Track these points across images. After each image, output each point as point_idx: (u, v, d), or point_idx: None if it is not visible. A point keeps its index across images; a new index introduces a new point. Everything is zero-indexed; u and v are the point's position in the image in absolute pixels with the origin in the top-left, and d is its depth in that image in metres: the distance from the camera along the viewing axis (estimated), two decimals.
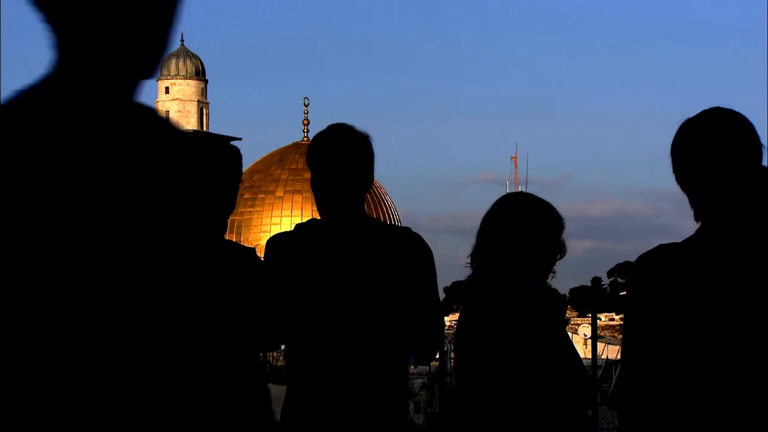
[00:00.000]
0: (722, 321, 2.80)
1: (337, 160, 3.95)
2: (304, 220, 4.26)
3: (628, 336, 2.95)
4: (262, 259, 4.11)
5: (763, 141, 2.96)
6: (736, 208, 2.89)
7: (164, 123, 2.58)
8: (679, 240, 2.96)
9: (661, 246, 2.96)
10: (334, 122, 4.02)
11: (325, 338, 3.96)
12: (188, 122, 78.36)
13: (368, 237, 4.03)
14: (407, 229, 4.10)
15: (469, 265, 3.95)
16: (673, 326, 2.84)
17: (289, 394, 4.04)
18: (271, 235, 4.27)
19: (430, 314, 4.00)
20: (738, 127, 2.93)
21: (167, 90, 79.15)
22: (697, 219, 2.94)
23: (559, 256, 3.98)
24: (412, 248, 4.05)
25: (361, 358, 3.92)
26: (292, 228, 4.15)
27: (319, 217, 4.15)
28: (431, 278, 4.04)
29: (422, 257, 4.05)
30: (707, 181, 2.90)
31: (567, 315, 4.72)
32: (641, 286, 2.92)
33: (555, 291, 3.96)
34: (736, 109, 3.01)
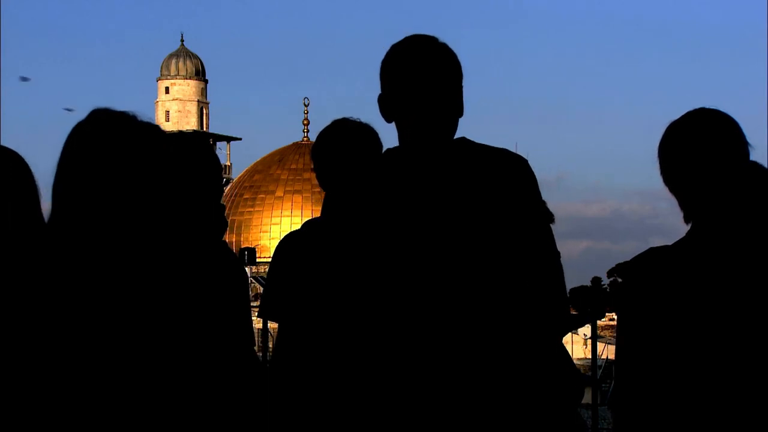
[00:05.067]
0: (715, 322, 2.81)
1: (345, 154, 3.82)
2: (305, 219, 4.20)
3: (622, 339, 2.97)
4: (273, 257, 4.01)
5: (750, 140, 2.98)
6: (725, 208, 2.90)
7: None
8: (675, 240, 2.98)
9: (652, 249, 2.98)
10: (338, 117, 3.99)
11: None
12: (188, 122, 78.35)
13: None
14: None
15: None
16: (666, 328, 2.85)
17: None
18: (272, 234, 4.04)
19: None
20: (724, 127, 2.95)
21: (167, 90, 79.15)
22: (687, 221, 2.95)
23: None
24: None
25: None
26: (293, 228, 4.09)
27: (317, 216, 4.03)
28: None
29: None
30: (696, 182, 2.91)
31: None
32: (634, 290, 2.94)
33: None
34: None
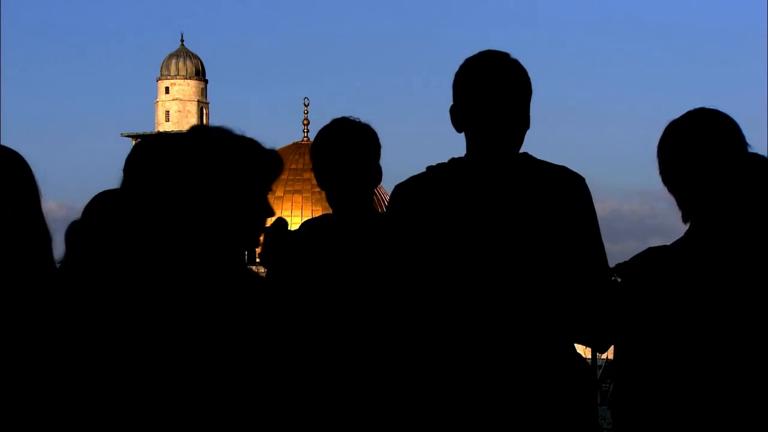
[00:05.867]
0: (713, 322, 2.81)
1: (344, 153, 3.84)
2: (304, 219, 4.19)
3: (621, 340, 2.97)
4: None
5: (750, 140, 2.99)
6: (724, 207, 2.91)
7: None
8: (674, 240, 2.98)
9: (651, 249, 2.99)
10: (337, 117, 3.98)
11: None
12: (188, 122, 78.26)
13: (376, 231, 3.64)
14: None
15: None
16: (665, 328, 2.86)
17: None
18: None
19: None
20: (723, 127, 2.96)
21: (167, 90, 79.17)
22: (685, 220, 2.96)
23: None
24: None
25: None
26: (293, 228, 4.08)
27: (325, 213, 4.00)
28: None
29: None
30: (695, 181, 2.92)
31: None
32: (633, 290, 2.94)
33: None
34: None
